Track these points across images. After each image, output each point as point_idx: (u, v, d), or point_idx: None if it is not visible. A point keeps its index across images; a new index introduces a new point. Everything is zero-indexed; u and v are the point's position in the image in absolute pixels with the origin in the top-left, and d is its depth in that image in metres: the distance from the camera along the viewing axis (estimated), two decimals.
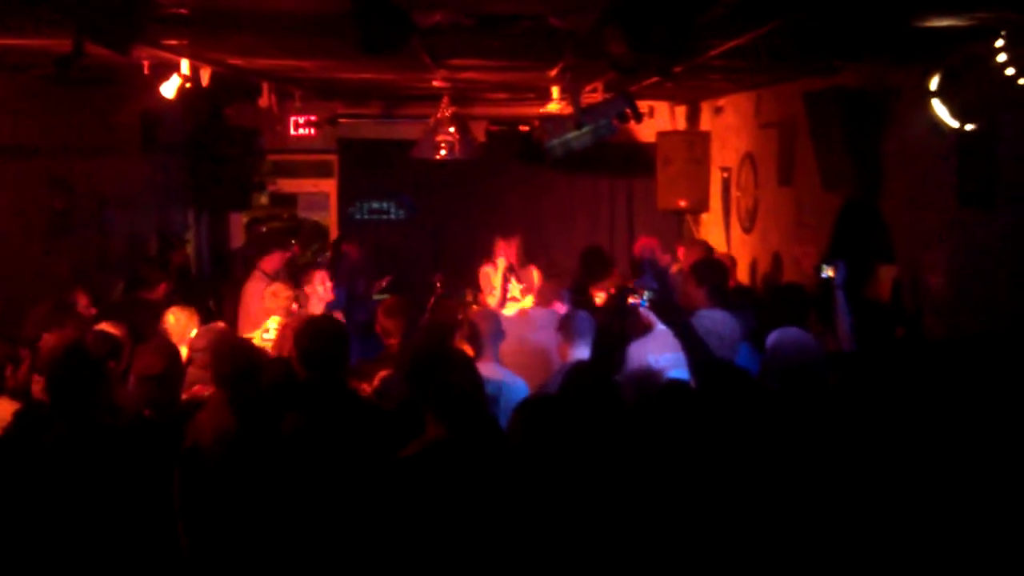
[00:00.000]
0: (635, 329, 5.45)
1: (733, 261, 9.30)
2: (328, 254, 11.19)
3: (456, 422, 4.05)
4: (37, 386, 5.06)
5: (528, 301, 8.07)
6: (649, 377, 5.03)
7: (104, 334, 5.69)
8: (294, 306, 6.91)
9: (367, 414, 4.68)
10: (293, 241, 11.40)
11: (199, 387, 5.34)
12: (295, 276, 8.99)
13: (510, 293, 8.79)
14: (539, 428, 3.89)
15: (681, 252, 9.33)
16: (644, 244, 9.30)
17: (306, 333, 4.75)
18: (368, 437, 4.39)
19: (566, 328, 5.80)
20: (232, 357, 4.85)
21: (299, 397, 4.69)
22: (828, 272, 5.59)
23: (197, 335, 6.03)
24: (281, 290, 6.95)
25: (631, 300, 4.87)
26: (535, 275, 8.99)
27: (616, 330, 4.93)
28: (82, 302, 6.89)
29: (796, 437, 3.98)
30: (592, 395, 4.22)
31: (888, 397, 3.98)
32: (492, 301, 8.69)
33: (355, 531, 4.04)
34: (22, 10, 4.71)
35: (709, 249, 9.23)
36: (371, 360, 5.92)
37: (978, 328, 5.48)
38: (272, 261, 8.39)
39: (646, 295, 4.81)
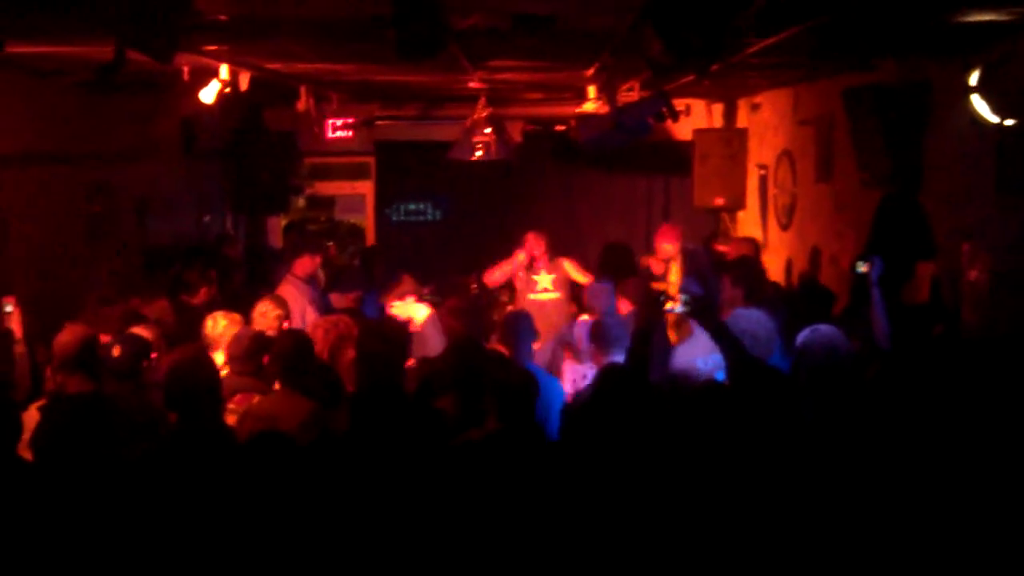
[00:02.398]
0: None
1: (758, 246, 9.28)
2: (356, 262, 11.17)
3: (513, 416, 4.28)
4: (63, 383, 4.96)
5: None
6: (689, 379, 5.01)
7: (133, 337, 5.40)
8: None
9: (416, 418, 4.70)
10: (330, 243, 11.47)
11: (240, 396, 5.13)
12: (332, 278, 9.04)
13: (540, 285, 8.84)
14: (573, 427, 3.94)
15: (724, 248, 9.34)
16: (668, 237, 9.12)
17: (368, 337, 4.80)
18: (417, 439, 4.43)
19: (599, 338, 5.75)
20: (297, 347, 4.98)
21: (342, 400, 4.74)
22: (863, 268, 5.54)
23: (232, 342, 5.56)
24: (270, 309, 6.37)
25: (668, 305, 4.86)
26: (567, 266, 8.99)
27: (650, 331, 4.91)
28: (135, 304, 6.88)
29: (828, 436, 3.96)
30: (624, 395, 4.23)
31: (925, 395, 3.95)
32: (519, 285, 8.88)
33: (420, 514, 4.05)
34: (64, 19, 4.78)
35: (756, 246, 9.18)
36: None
37: (1017, 321, 5.44)
38: (303, 264, 8.07)
39: (682, 300, 4.79)
